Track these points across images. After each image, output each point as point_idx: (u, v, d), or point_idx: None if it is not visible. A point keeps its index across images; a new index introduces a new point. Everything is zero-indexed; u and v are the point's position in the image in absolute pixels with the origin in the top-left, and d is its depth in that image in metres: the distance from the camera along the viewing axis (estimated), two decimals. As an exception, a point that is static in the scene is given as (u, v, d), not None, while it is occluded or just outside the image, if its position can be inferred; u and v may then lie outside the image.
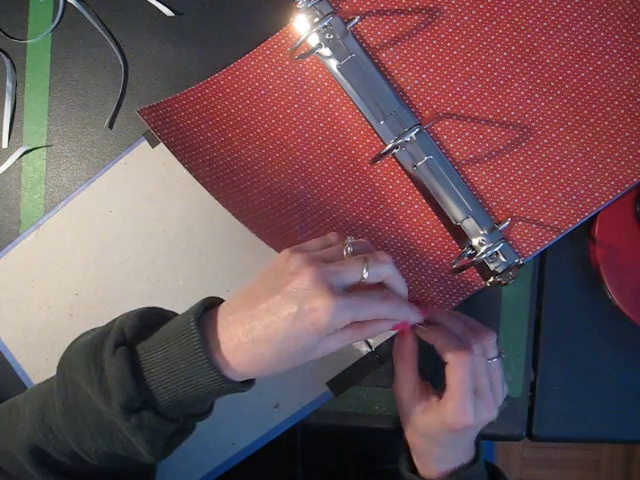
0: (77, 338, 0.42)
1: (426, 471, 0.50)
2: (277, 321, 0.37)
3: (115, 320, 0.41)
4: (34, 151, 0.57)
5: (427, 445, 0.49)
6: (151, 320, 0.40)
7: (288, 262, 0.38)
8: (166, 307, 0.53)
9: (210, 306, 0.40)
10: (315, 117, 0.54)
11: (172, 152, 0.52)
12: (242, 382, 0.40)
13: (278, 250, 0.53)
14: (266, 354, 0.37)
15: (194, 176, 0.52)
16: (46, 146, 0.57)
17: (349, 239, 0.41)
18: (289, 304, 0.36)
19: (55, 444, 0.40)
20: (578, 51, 0.53)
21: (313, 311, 0.36)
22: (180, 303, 0.55)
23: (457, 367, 0.45)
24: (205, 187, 0.52)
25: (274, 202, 0.54)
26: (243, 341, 0.37)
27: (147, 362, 0.38)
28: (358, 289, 0.40)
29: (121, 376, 0.37)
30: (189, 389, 0.38)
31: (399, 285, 0.41)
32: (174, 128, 0.53)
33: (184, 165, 0.52)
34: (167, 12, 0.56)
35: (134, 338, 0.39)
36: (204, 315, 0.39)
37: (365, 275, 0.39)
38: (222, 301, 0.41)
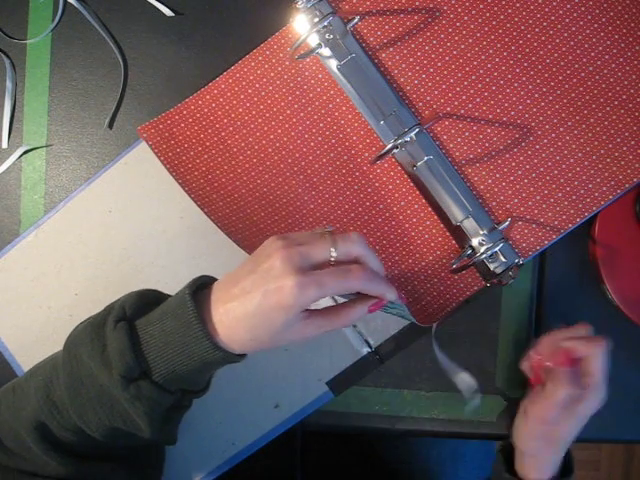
0: (85, 320, 0.45)
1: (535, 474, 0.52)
2: (249, 298, 0.39)
3: (118, 300, 0.43)
4: (34, 151, 0.57)
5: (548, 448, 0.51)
6: (150, 299, 0.44)
7: (269, 247, 0.41)
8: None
9: (204, 285, 0.43)
10: (315, 117, 0.54)
11: (168, 169, 0.53)
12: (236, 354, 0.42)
13: None
14: (242, 330, 0.40)
15: (186, 192, 0.53)
16: (46, 146, 0.57)
17: (329, 227, 0.43)
18: (261, 283, 0.39)
19: (60, 419, 0.42)
20: (578, 51, 0.53)
21: (279, 289, 0.38)
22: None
23: (595, 359, 0.48)
24: (197, 203, 0.52)
25: (271, 207, 0.54)
26: (224, 318, 0.40)
27: (145, 335, 0.41)
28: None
29: (121, 348, 0.40)
30: (184, 358, 0.40)
31: (373, 262, 0.42)
32: (173, 142, 0.53)
33: (178, 181, 0.53)
34: (167, 12, 0.56)
35: (134, 315, 0.42)
36: (199, 292, 0.42)
37: (333, 253, 0.40)
38: (214, 280, 0.43)
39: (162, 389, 0.41)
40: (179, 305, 0.41)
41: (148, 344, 0.41)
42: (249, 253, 0.53)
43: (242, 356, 0.43)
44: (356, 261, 0.42)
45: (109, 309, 0.43)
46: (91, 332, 0.42)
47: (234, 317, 0.40)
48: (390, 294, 0.42)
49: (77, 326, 0.44)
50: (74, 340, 0.43)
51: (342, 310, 0.42)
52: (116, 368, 0.40)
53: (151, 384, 0.40)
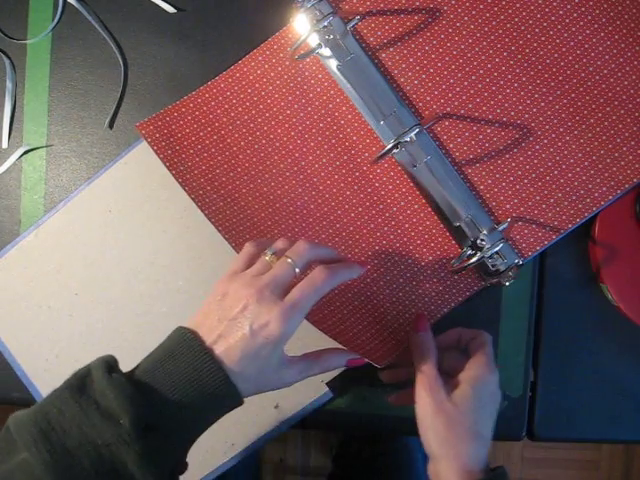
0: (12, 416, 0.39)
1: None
2: (234, 341, 0.40)
3: (78, 371, 0.40)
4: (34, 151, 0.57)
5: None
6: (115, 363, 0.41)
7: (225, 293, 0.41)
8: (166, 307, 0.53)
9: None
10: (315, 117, 0.54)
11: (167, 167, 0.53)
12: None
13: None
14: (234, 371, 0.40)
15: (187, 191, 0.52)
16: (46, 146, 0.57)
17: (270, 250, 0.44)
18: (241, 327, 0.40)
19: None
20: (578, 51, 0.53)
21: (265, 326, 0.40)
22: (180, 303, 0.55)
23: (481, 342, 0.49)
24: (197, 204, 0.52)
25: (271, 207, 0.54)
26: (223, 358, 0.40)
27: (148, 378, 0.39)
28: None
29: (127, 393, 0.37)
30: (197, 393, 0.38)
31: (324, 255, 0.45)
32: (172, 139, 0.53)
33: (177, 179, 0.53)
34: (169, 9, 0.56)
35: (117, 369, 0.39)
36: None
37: (297, 270, 0.42)
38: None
39: (172, 442, 0.38)
40: (179, 343, 0.40)
41: (155, 384, 0.38)
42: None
43: (240, 400, 0.41)
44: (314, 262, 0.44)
45: (80, 373, 0.39)
46: (71, 396, 0.37)
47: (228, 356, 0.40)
48: (354, 273, 0.45)
49: (16, 414, 0.38)
50: (42, 417, 0.37)
51: (321, 356, 0.45)
52: (125, 414, 0.36)
53: (162, 436, 0.37)
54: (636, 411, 0.57)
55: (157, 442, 0.37)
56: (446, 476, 0.45)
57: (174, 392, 0.38)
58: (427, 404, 0.45)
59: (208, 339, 0.40)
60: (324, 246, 0.45)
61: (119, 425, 0.36)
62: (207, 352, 0.39)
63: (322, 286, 0.42)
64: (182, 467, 0.42)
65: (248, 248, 0.45)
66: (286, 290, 0.41)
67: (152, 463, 0.37)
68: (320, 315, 0.52)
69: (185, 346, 0.39)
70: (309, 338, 0.52)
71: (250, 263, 0.44)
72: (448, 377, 0.48)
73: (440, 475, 0.45)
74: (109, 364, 0.39)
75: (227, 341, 0.40)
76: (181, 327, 0.41)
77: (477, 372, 0.47)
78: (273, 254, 0.43)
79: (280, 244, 0.45)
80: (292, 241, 0.45)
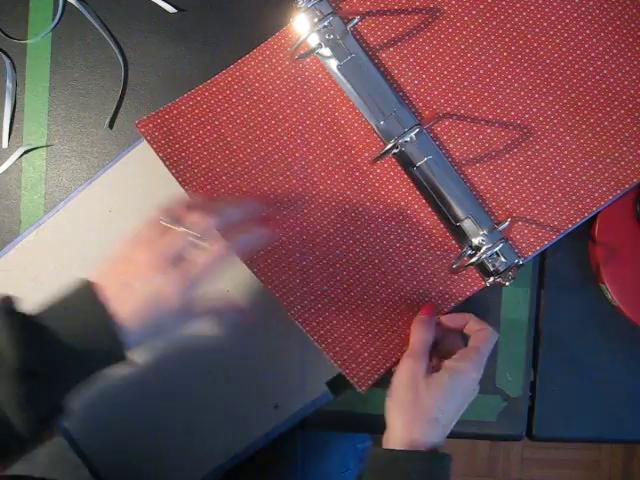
0: None
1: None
2: (130, 308, 0.42)
3: None
4: (34, 151, 0.57)
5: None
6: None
7: (134, 257, 0.44)
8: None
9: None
10: (315, 117, 0.54)
11: (166, 165, 0.53)
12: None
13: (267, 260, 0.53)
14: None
15: (186, 190, 0.53)
16: (46, 146, 0.57)
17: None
18: (140, 295, 0.42)
19: None
20: (578, 51, 0.53)
21: (163, 297, 0.42)
22: (180, 303, 0.55)
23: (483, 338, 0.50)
24: None
25: (271, 207, 0.54)
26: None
27: (42, 323, 0.41)
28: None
29: (17, 335, 0.39)
30: (85, 345, 0.40)
31: (234, 219, 0.46)
32: (171, 137, 0.53)
33: (176, 178, 0.53)
34: (169, 9, 0.56)
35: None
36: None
37: (204, 245, 0.44)
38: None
39: (52, 389, 0.40)
40: (77, 295, 0.42)
41: (43, 334, 0.40)
42: (246, 264, 0.53)
43: (124, 356, 0.43)
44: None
45: None
46: None
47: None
48: (261, 239, 0.48)
49: None
50: None
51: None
52: (11, 358, 0.39)
53: (44, 382, 0.39)
54: (636, 411, 0.57)
55: (37, 388, 0.39)
56: (393, 442, 0.48)
57: (64, 340, 0.40)
58: (404, 376, 0.48)
59: (106, 296, 0.42)
60: (230, 213, 0.47)
61: (3, 365, 0.38)
62: (102, 307, 0.41)
63: (222, 258, 0.44)
64: (59, 413, 0.43)
65: (161, 219, 0.47)
66: (189, 263, 0.44)
67: (28, 407, 0.39)
68: (314, 324, 0.53)
69: (82, 299, 0.42)
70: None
71: (161, 233, 0.46)
72: (438, 360, 0.50)
73: (389, 440, 0.48)
74: (8, 303, 0.42)
75: (124, 305, 0.42)
76: (83, 279, 0.43)
77: (460, 365, 0.48)
78: (185, 228, 0.45)
79: (193, 219, 0.46)
80: (203, 214, 0.46)
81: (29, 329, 0.40)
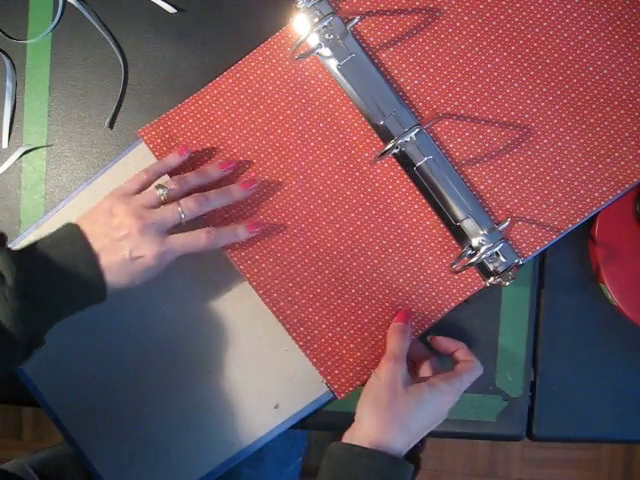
0: None
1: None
2: (114, 259, 0.45)
3: None
4: (34, 151, 0.57)
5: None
6: None
7: (113, 212, 0.46)
8: (166, 306, 0.53)
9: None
10: (315, 117, 0.54)
11: (168, 173, 0.53)
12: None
13: (263, 260, 0.53)
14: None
15: None
16: (46, 146, 0.57)
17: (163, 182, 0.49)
18: (122, 249, 0.45)
19: None
20: (578, 51, 0.53)
21: (142, 257, 0.46)
22: (179, 302, 0.55)
23: (468, 369, 0.51)
24: None
25: (271, 208, 0.54)
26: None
27: (34, 256, 0.44)
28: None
29: (15, 259, 0.43)
30: (71, 282, 0.44)
31: (216, 206, 0.50)
32: (174, 144, 0.53)
33: None
34: (169, 9, 0.56)
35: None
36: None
37: (183, 216, 0.47)
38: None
39: (41, 314, 0.44)
40: (66, 236, 0.45)
41: (36, 265, 0.44)
42: (241, 270, 0.53)
43: (105, 295, 0.46)
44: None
45: None
46: None
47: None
48: (240, 236, 0.51)
49: None
50: None
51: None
52: (10, 276, 0.42)
53: (36, 305, 0.43)
54: (636, 411, 0.57)
55: (29, 307, 0.43)
56: (359, 439, 0.48)
57: (53, 274, 0.44)
58: (384, 376, 0.49)
59: (90, 242, 0.45)
60: (215, 200, 0.49)
61: (3, 284, 0.42)
62: (88, 249, 0.45)
63: (203, 247, 0.48)
64: (39, 342, 0.46)
65: (142, 176, 0.49)
66: (168, 231, 0.47)
67: (22, 322, 0.42)
68: (301, 328, 0.53)
69: (71, 239, 0.45)
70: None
71: (142, 188, 0.49)
72: (414, 377, 0.51)
73: (354, 436, 0.48)
74: (2, 236, 0.46)
75: (107, 254, 0.45)
76: (71, 223, 0.46)
77: (441, 385, 0.49)
78: (166, 193, 0.48)
79: (173, 184, 0.48)
80: (184, 183, 0.49)
81: (22, 256, 0.44)
